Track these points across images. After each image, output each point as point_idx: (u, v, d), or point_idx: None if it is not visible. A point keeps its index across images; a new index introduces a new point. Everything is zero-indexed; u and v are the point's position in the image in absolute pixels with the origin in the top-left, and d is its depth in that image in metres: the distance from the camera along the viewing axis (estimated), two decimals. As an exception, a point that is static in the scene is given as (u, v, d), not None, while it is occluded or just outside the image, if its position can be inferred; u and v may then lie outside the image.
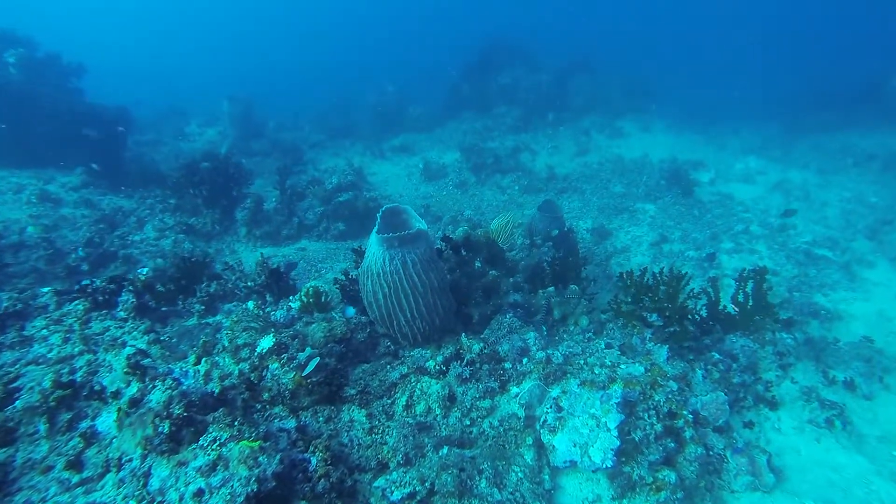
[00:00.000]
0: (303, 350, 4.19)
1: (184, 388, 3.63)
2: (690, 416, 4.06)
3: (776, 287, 8.62)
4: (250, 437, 3.22)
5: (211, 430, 3.25)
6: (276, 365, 4.04)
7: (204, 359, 4.02)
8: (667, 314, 4.77)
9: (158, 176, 9.81)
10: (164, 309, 5.16)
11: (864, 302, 8.10)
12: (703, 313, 5.56)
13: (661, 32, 33.73)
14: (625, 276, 4.88)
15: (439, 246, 5.78)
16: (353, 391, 4.23)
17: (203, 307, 5.20)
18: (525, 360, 4.55)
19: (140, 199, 9.64)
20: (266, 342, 4.18)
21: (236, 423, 3.34)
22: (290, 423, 3.71)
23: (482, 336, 5.03)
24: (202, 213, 9.12)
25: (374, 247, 4.56)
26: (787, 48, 27.05)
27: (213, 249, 8.91)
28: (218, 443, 3.11)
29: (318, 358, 4.01)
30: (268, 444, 3.23)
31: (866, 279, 8.64)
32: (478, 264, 5.89)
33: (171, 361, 4.11)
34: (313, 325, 4.63)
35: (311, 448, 3.55)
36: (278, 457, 3.17)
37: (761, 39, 31.53)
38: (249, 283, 5.51)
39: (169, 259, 6.54)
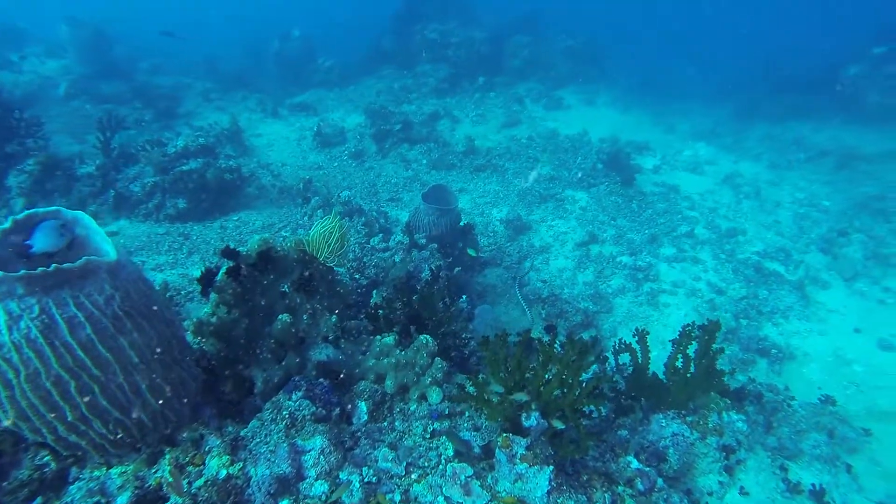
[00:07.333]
0: None
1: None
2: None
3: (720, 310, 6.98)
4: None
5: None
6: None
7: None
8: (557, 411, 2.77)
9: None
10: None
11: (819, 336, 6.57)
12: (620, 385, 3.64)
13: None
14: (491, 343, 2.81)
15: (214, 265, 3.51)
16: None
17: None
18: (285, 503, 2.43)
19: None
20: None
21: None
22: None
23: (241, 435, 2.87)
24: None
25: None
26: (748, 25, 25.69)
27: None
28: None
29: None
30: None
31: (821, 304, 7.13)
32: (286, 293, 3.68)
33: None
34: None
35: None
36: None
37: (724, 15, 30.17)
38: None
39: None
